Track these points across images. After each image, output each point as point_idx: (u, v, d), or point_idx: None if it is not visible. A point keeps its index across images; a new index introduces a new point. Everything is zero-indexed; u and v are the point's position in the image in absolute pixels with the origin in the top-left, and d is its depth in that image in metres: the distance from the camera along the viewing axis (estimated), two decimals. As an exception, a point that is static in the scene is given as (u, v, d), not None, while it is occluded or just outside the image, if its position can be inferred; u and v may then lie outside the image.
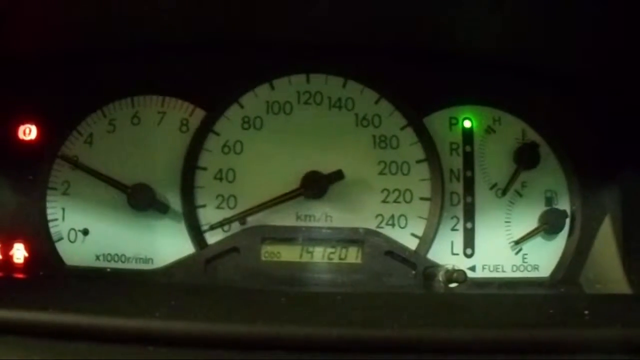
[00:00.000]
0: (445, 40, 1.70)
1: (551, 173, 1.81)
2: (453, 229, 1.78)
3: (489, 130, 1.82)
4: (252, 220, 1.72)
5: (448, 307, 1.34)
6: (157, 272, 1.71)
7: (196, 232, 1.73)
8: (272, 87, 1.80)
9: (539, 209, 1.79)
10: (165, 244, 1.74)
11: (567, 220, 1.78)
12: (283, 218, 1.74)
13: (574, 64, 1.70)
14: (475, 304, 1.38)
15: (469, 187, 1.80)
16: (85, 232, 1.73)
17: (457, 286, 1.60)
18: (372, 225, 1.75)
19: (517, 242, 1.78)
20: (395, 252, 1.71)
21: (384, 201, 1.76)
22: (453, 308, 1.32)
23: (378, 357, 1.02)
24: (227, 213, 1.73)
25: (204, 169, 1.76)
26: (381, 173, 1.77)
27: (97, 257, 1.73)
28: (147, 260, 1.73)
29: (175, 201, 1.75)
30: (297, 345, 1.02)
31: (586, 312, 1.18)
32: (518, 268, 1.78)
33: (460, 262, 1.74)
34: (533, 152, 1.79)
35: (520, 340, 1.05)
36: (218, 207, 1.74)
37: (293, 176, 1.73)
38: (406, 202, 1.77)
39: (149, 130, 1.77)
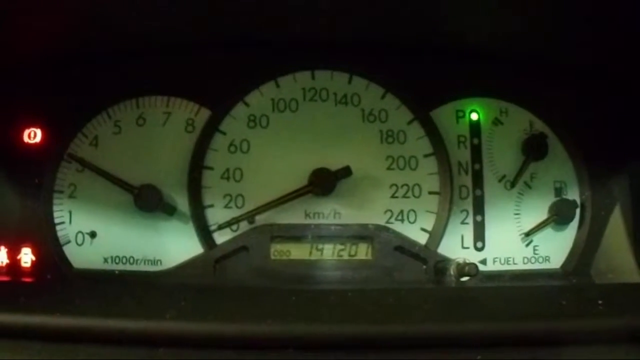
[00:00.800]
0: (449, 34, 1.69)
1: (560, 163, 1.80)
2: (463, 223, 1.77)
3: (496, 122, 1.81)
4: (260, 219, 1.71)
5: (460, 301, 1.33)
6: (166, 273, 1.70)
7: (204, 232, 1.73)
8: (278, 85, 1.79)
9: (549, 199, 1.79)
10: (173, 245, 1.73)
11: (577, 211, 1.77)
12: (292, 216, 1.73)
13: (580, 54, 1.69)
14: (487, 297, 1.37)
15: (478, 180, 1.79)
16: (93, 234, 1.72)
17: (469, 280, 1.59)
18: (381, 220, 1.74)
19: (527, 234, 1.77)
20: (405, 248, 1.70)
21: (392, 196, 1.76)
22: (466, 302, 1.32)
23: (392, 354, 1.01)
24: (235, 212, 1.72)
25: (211, 168, 1.75)
26: (389, 168, 1.76)
27: (105, 260, 1.72)
28: (155, 262, 1.72)
29: (182, 202, 1.74)
30: (309, 344, 1.02)
31: (600, 302, 1.17)
32: (529, 260, 1.78)
33: (471, 256, 1.73)
34: (541, 143, 1.78)
35: (534, 332, 1.05)
36: (226, 207, 1.74)
37: (301, 173, 1.72)
38: (415, 196, 1.76)
39: (155, 131, 1.77)
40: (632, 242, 1.70)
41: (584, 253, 1.77)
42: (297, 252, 1.71)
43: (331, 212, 1.74)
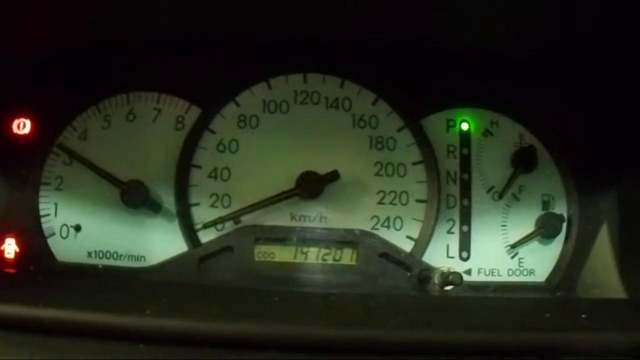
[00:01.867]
0: (443, 42, 1.69)
1: (548, 177, 1.80)
2: (449, 232, 1.77)
3: (487, 133, 1.80)
4: (246, 220, 1.71)
5: (442, 309, 1.33)
6: (149, 270, 1.69)
7: (189, 231, 1.72)
8: (269, 86, 1.79)
9: (536, 212, 1.78)
10: (158, 242, 1.72)
11: (564, 225, 1.77)
12: (277, 218, 1.72)
13: (574, 67, 1.69)
14: (470, 307, 1.37)
15: (466, 190, 1.78)
16: (78, 228, 1.71)
17: (453, 289, 1.59)
18: (367, 226, 1.73)
19: (513, 246, 1.77)
20: (390, 254, 1.69)
21: (379, 203, 1.75)
22: (447, 310, 1.31)
23: (370, 358, 1.01)
24: (221, 212, 1.71)
25: (199, 167, 1.74)
26: (377, 174, 1.76)
27: (89, 254, 1.71)
28: (139, 258, 1.72)
29: (169, 199, 1.73)
30: (289, 345, 1.01)
31: (583, 315, 1.17)
32: (514, 272, 1.77)
33: (456, 266, 1.72)
34: (530, 156, 1.78)
35: (515, 343, 1.05)
36: (212, 206, 1.73)
37: (288, 176, 1.72)
38: (402, 204, 1.75)
39: (144, 127, 1.76)
40: (618, 258, 1.70)
41: (569, 267, 1.77)
42: (282, 254, 1.70)
43: (317, 215, 1.74)
